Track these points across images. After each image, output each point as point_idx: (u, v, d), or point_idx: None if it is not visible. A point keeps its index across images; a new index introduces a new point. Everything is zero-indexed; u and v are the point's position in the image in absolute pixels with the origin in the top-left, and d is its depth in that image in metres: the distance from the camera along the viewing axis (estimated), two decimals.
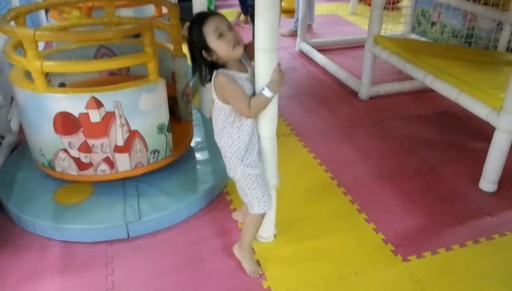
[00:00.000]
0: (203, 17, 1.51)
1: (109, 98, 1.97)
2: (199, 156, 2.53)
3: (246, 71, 1.62)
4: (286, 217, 2.12)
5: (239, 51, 1.53)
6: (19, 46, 2.11)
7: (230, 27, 1.52)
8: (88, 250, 1.96)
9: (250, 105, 1.56)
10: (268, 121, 1.70)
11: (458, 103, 2.52)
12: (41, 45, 3.86)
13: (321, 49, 4.41)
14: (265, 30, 1.55)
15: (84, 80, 2.55)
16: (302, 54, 4.51)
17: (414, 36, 4.68)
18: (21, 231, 2.07)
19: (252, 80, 1.62)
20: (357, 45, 4.51)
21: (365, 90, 3.47)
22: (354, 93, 3.58)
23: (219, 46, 1.50)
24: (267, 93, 1.57)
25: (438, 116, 3.22)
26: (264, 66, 1.60)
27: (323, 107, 3.38)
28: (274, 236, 2.03)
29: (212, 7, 2.96)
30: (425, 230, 2.10)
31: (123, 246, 1.99)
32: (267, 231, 1.99)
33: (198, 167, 2.45)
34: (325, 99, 3.53)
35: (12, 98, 3.06)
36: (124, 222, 2.00)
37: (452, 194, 2.37)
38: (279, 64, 1.60)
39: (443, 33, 4.31)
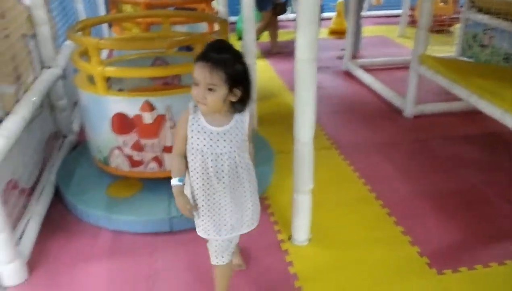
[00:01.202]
0: (201, 54, 1.34)
1: (161, 102, 2.15)
2: None
3: (222, 125, 1.41)
4: (322, 224, 2.18)
5: (202, 108, 1.37)
6: (84, 54, 2.36)
7: (207, 82, 1.30)
8: (135, 240, 2.12)
9: (172, 154, 1.49)
10: (306, 125, 1.79)
11: (505, 124, 2.48)
12: (104, 55, 4.20)
13: (367, 69, 4.46)
14: (305, 41, 1.66)
15: (139, 87, 2.77)
16: (348, 73, 4.58)
17: (464, 59, 4.62)
18: (76, 219, 2.27)
19: (229, 137, 1.41)
20: (403, 66, 4.52)
21: (410, 109, 3.48)
22: (398, 112, 3.59)
23: (192, 90, 1.38)
24: (174, 182, 1.46)
25: (484, 137, 3.16)
26: (303, 76, 1.71)
27: (365, 124, 3.42)
28: (309, 240, 2.09)
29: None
30: (463, 246, 2.08)
31: (166, 239, 2.13)
32: (301, 234, 2.06)
33: None
34: (368, 116, 3.56)
35: (75, 103, 3.36)
36: (168, 216, 2.15)
37: (493, 213, 2.33)
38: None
39: (494, 55, 4.23)
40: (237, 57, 1.35)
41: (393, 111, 3.62)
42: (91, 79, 2.28)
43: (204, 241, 2.09)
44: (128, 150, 2.25)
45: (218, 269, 1.63)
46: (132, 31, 3.55)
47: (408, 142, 3.13)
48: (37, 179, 2.39)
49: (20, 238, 1.99)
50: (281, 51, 5.34)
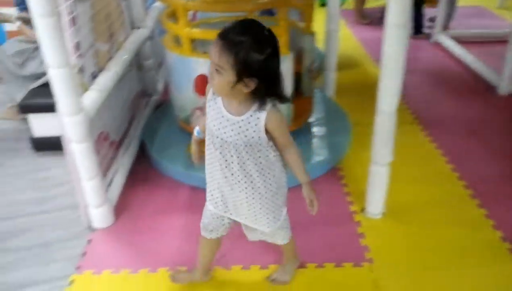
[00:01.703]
0: (221, 30, 1.21)
1: None
2: (316, 130, 2.63)
3: (235, 114, 1.31)
4: (398, 199, 2.11)
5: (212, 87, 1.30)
6: (172, 16, 2.43)
7: (215, 62, 1.19)
8: None
9: None
10: (390, 95, 1.72)
11: None
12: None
13: (460, 41, 4.12)
14: (397, 5, 1.56)
15: None
16: (438, 45, 4.26)
17: None
18: (158, 174, 2.41)
19: (237, 129, 1.31)
20: (501, 40, 4.10)
21: (505, 86, 3.18)
22: (491, 88, 3.30)
23: None
24: (194, 131, 1.51)
25: None
26: (392, 42, 1.62)
27: (453, 99, 3.19)
28: (383, 214, 2.04)
29: None
30: None
31: None
32: (375, 207, 2.01)
33: (313, 140, 2.55)
34: (457, 91, 3.32)
35: (160, 64, 3.50)
36: None
37: None
38: None
39: None
40: (259, 44, 1.16)
41: (486, 88, 3.33)
42: (177, 41, 2.36)
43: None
44: None
45: (202, 239, 1.64)
46: None
47: (500, 121, 2.87)
48: (124, 134, 2.56)
49: (109, 185, 2.17)
50: (367, 19, 5.10)
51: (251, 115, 1.27)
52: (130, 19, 2.70)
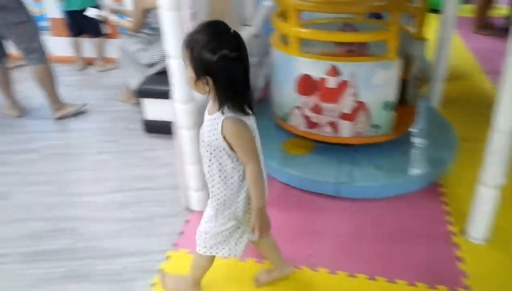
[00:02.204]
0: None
1: (347, 68, 2.15)
2: (417, 141, 2.51)
3: (208, 113, 1.34)
4: (506, 226, 1.95)
5: None
6: (282, 15, 2.49)
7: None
8: (301, 195, 2.24)
9: None
10: (509, 112, 1.58)
11: None
12: None
13: None
14: None
15: (324, 52, 2.81)
16: None
17: None
18: None
19: (206, 130, 1.33)
20: None
21: None
22: None
23: None
24: None
25: None
26: None
27: None
28: (486, 239, 1.89)
29: None
30: None
31: (330, 202, 2.19)
32: (479, 231, 1.88)
33: (414, 151, 2.44)
34: None
35: (261, 62, 3.59)
36: (335, 181, 2.20)
37: None
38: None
39: None
40: (214, 45, 1.15)
41: None
42: (284, 40, 2.41)
43: (367, 212, 2.10)
44: (307, 111, 2.33)
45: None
46: None
47: None
48: None
49: None
50: (488, 30, 4.72)
51: (215, 118, 1.26)
52: (241, 16, 2.81)
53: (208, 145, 1.32)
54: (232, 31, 1.19)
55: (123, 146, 2.76)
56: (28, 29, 2.93)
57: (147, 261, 1.86)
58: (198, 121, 1.92)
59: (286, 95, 2.40)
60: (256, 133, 1.34)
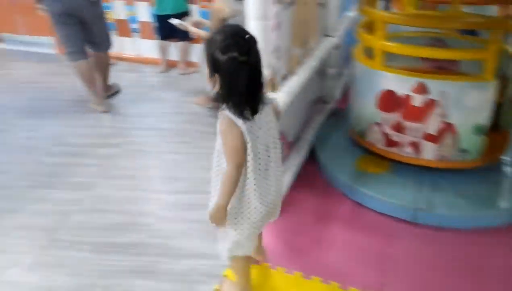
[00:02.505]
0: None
1: (437, 87, 2.01)
2: (508, 170, 2.29)
3: None
4: None
5: None
6: (367, 27, 2.40)
7: None
8: (373, 217, 2.13)
9: None
10: None
11: None
12: None
13: None
14: None
15: (409, 67, 2.66)
16: None
17: None
18: (324, 180, 2.43)
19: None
20: None
21: None
22: None
23: None
24: None
25: None
26: None
27: None
28: None
29: None
30: None
31: (405, 227, 2.05)
32: None
33: (505, 181, 2.22)
34: None
35: (339, 73, 3.51)
36: (412, 206, 2.06)
37: None
38: None
39: None
40: (226, 46, 1.22)
41: None
42: (367, 52, 2.32)
43: (445, 243, 1.94)
44: (387, 128, 2.22)
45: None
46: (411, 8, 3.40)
47: None
48: (298, 136, 2.64)
49: None
50: None
51: (220, 117, 1.33)
52: (323, 26, 2.76)
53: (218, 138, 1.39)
54: (247, 36, 1.25)
55: (196, 149, 2.83)
56: (105, 20, 3.45)
57: (212, 265, 1.86)
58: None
59: (366, 110, 2.30)
60: (252, 138, 1.32)
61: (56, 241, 2.04)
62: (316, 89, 2.95)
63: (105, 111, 3.41)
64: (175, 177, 2.53)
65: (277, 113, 1.49)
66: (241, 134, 1.29)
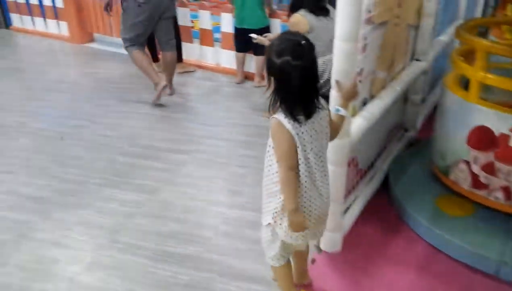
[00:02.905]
0: None
1: None
2: None
3: None
4: None
5: None
6: (464, 55, 2.19)
7: None
8: (450, 264, 1.91)
9: None
10: None
11: None
12: None
13: None
14: None
15: (504, 101, 2.39)
16: None
17: None
18: (396, 215, 2.23)
19: None
20: None
21: None
22: None
23: None
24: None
25: None
26: None
27: None
28: None
29: None
30: None
31: (483, 280, 1.82)
32: None
33: None
34: None
35: (423, 99, 3.27)
36: (496, 258, 1.81)
37: None
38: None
39: None
40: (280, 50, 1.27)
41: None
42: (461, 82, 2.11)
43: None
44: (476, 168, 1.99)
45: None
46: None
47: None
48: (371, 164, 2.47)
49: (345, 212, 2.11)
50: None
51: (271, 118, 1.36)
52: (412, 49, 2.57)
53: (268, 144, 1.44)
54: (303, 42, 1.28)
55: (262, 164, 2.75)
56: (174, 22, 3.82)
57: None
58: (347, 158, 1.78)
59: (453, 144, 2.09)
60: (301, 143, 1.35)
61: (115, 242, 2.06)
62: (396, 115, 2.76)
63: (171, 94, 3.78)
64: (240, 191, 2.47)
65: (332, 123, 1.48)
66: (291, 137, 1.33)
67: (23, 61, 4.98)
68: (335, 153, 1.73)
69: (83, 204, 2.36)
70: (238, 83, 4.23)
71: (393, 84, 2.26)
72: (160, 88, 3.53)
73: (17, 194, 2.45)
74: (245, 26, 3.85)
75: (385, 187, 2.41)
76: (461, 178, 2.07)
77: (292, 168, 1.36)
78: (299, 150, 1.35)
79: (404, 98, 2.82)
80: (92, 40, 5.65)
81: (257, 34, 3.25)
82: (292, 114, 1.31)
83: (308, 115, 1.34)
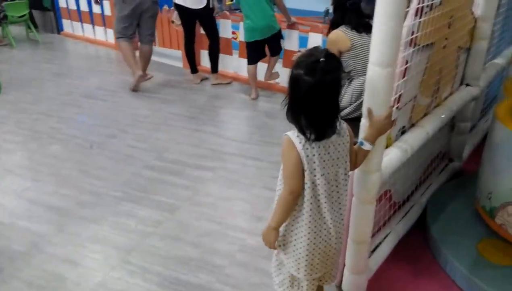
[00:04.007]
0: None
1: None
2: None
3: None
4: None
5: None
6: None
7: None
8: None
9: None
10: None
11: None
12: None
13: None
14: None
15: None
16: None
17: None
18: (431, 256, 2.00)
19: None
20: None
21: None
22: None
23: None
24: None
25: None
26: None
27: None
28: None
29: None
30: None
31: None
32: None
33: None
34: None
35: (473, 126, 2.99)
36: None
37: None
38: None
39: None
40: (298, 64, 1.21)
41: None
42: None
43: None
44: None
45: None
46: None
47: None
48: (408, 197, 2.24)
49: (373, 251, 1.91)
50: None
51: (284, 134, 1.30)
52: (463, 74, 2.33)
53: None
54: (322, 58, 1.19)
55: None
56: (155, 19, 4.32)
57: None
58: (376, 194, 1.59)
59: (502, 185, 1.84)
60: (310, 166, 1.26)
61: (127, 263, 1.98)
62: (441, 143, 2.51)
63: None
64: (262, 217, 2.32)
65: (352, 153, 1.36)
66: (298, 158, 1.25)
67: (68, 67, 5.12)
68: (361, 187, 1.54)
69: (100, 218, 2.30)
70: (253, 99, 4.08)
71: (437, 112, 2.04)
72: (136, 77, 4.15)
73: (39, 203, 2.44)
74: (258, 38, 3.83)
75: (421, 224, 2.18)
76: (508, 223, 1.82)
77: (293, 192, 1.28)
78: (306, 174, 1.26)
79: (451, 125, 2.57)
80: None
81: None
82: (303, 132, 1.25)
83: (319, 137, 1.24)
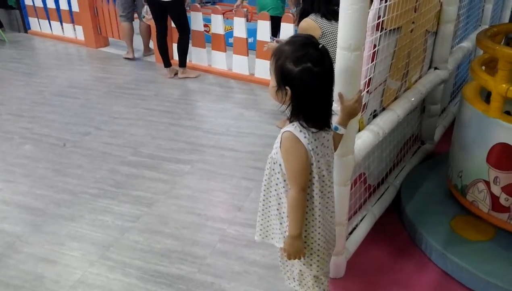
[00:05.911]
0: None
1: None
2: None
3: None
4: None
5: None
6: (486, 64, 2.01)
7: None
8: None
9: None
10: None
11: None
12: None
13: None
14: None
15: None
16: None
17: None
18: (407, 236, 2.06)
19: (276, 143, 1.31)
20: None
21: None
22: None
23: None
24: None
25: None
26: None
27: None
28: None
29: None
30: None
31: None
32: None
33: None
34: None
35: (443, 110, 3.08)
36: None
37: None
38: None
39: None
40: (297, 56, 1.13)
41: None
42: (482, 94, 1.93)
43: None
44: (496, 189, 1.80)
45: None
46: None
47: None
48: (382, 179, 2.30)
49: (350, 233, 1.95)
50: None
51: (283, 131, 1.22)
52: (431, 57, 2.39)
53: (270, 158, 1.29)
54: (320, 46, 1.16)
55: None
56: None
57: None
58: (351, 176, 1.63)
59: (472, 162, 1.91)
60: (316, 158, 1.22)
61: (106, 259, 1.96)
62: (413, 126, 2.58)
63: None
64: (240, 206, 2.34)
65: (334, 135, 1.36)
66: (306, 153, 1.20)
67: (37, 65, 4.99)
68: (336, 170, 1.57)
69: (77, 216, 2.27)
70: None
71: (406, 95, 2.09)
72: (127, 55, 5.04)
73: (14, 204, 2.39)
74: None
75: (396, 205, 2.24)
76: (479, 199, 1.89)
77: (305, 189, 1.23)
78: (313, 167, 1.22)
79: (422, 107, 2.64)
80: (107, 44, 5.65)
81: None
82: (308, 126, 1.19)
83: (322, 127, 1.21)
